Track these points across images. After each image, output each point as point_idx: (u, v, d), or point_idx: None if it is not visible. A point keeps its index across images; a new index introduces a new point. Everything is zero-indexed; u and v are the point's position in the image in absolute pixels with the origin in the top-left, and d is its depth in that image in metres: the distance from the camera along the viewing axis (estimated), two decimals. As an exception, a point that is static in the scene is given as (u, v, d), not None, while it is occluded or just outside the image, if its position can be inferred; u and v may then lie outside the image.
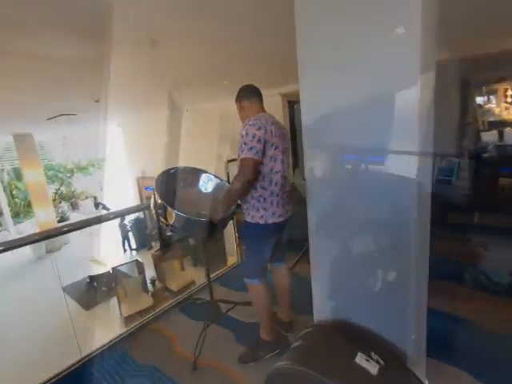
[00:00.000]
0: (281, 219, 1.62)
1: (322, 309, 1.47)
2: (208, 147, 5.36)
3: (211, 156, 5.03)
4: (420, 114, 1.05)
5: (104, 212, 9.19)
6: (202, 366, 1.61)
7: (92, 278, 4.91)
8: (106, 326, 3.88)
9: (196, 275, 3.81)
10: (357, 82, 1.21)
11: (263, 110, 1.67)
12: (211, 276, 2.66)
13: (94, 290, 4.78)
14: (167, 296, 3.82)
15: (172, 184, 1.68)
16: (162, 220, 1.57)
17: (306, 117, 1.34)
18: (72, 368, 1.73)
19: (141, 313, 3.11)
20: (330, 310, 1.44)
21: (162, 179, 1.62)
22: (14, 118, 5.45)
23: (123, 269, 4.26)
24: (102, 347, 1.91)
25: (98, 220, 2.55)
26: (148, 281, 4.27)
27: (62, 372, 1.72)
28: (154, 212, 1.56)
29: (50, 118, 5.04)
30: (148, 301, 3.85)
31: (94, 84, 3.20)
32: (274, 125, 1.58)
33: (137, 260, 4.46)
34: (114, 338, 1.97)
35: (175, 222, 1.57)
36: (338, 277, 1.41)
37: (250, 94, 1.69)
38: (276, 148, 1.56)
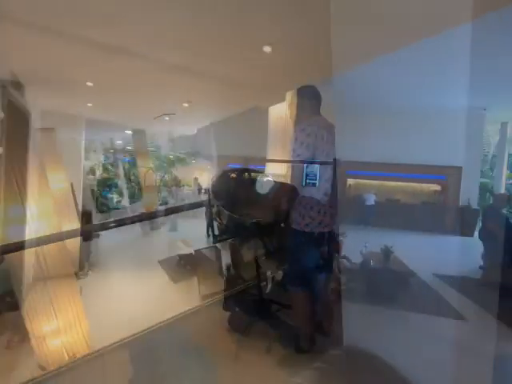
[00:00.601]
0: (327, 229, 1.55)
1: (353, 333, 1.35)
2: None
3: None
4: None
5: (205, 196, 10.32)
6: (242, 360, 1.71)
7: (180, 257, 5.65)
8: (184, 300, 4.43)
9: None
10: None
11: (319, 114, 1.60)
12: (274, 272, 2.74)
13: (181, 267, 5.52)
14: (239, 283, 4.11)
15: (228, 184, 1.79)
16: (217, 219, 1.71)
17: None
18: (142, 333, 2.06)
19: (214, 294, 3.46)
20: (361, 337, 1.31)
21: (218, 180, 1.75)
22: (134, 117, 6.72)
23: (204, 252, 4.79)
24: (171, 318, 2.20)
25: (185, 207, 2.91)
26: (224, 266, 4.67)
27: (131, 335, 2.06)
28: (210, 211, 1.70)
29: (156, 117, 5.92)
30: (221, 285, 4.23)
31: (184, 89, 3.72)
32: (326, 129, 1.50)
33: (215, 246, 4.91)
34: (183, 312, 2.23)
35: (228, 221, 1.68)
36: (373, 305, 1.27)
37: (311, 95, 1.58)
38: (327, 154, 1.48)
